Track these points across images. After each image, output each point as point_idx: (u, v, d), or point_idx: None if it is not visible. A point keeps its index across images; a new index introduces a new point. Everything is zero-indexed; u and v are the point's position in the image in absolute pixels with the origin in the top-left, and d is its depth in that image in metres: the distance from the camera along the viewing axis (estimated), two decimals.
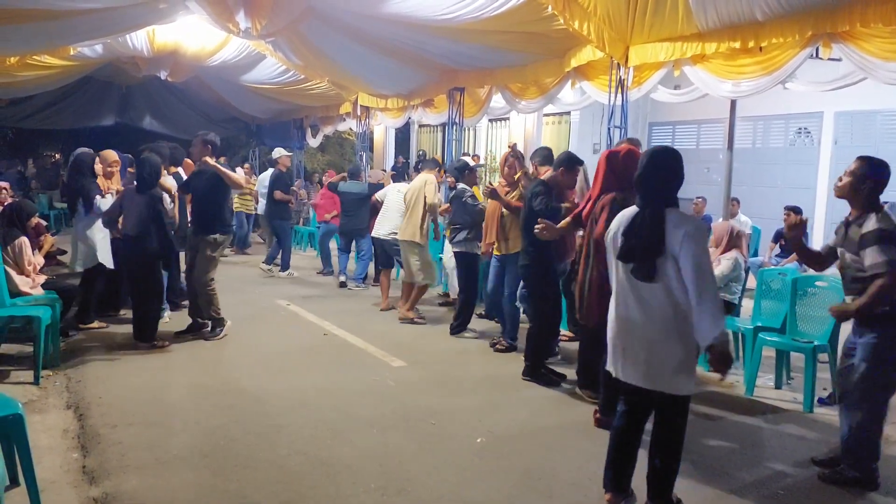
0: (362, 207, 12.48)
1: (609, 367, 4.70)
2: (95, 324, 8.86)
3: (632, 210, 4.56)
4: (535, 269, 7.27)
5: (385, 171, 16.81)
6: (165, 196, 8.60)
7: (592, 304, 5.97)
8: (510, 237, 8.26)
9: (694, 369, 4.46)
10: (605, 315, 5.30)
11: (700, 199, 13.76)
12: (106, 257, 8.71)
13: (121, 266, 8.70)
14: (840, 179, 5.28)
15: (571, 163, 7.33)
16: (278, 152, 14.93)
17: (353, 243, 12.93)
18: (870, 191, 5.13)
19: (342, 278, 12.76)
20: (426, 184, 9.81)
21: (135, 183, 8.31)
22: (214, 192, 8.66)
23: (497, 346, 8.51)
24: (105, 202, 8.55)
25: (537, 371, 7.32)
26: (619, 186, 5.88)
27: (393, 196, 10.81)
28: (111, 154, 9.44)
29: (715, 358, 4.23)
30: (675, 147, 4.72)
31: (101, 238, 8.67)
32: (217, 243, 8.73)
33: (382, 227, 10.75)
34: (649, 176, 4.48)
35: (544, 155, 7.98)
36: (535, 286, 7.38)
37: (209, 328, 8.86)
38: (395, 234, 10.30)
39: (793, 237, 5.63)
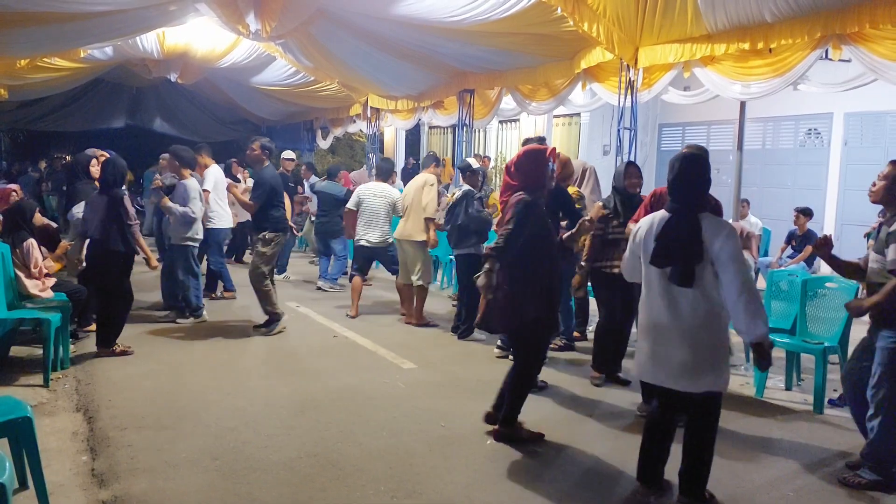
0: (338, 209, 12.39)
1: (636, 370, 4.81)
2: (93, 326, 8.84)
3: (662, 214, 4.62)
4: None
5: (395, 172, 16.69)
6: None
7: (500, 308, 5.69)
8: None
9: (726, 366, 4.55)
10: (512, 320, 5.50)
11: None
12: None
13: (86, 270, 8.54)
14: (874, 184, 5.30)
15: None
16: (285, 154, 14.90)
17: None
18: None
19: (320, 283, 12.64)
20: (425, 185, 9.66)
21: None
22: (252, 198, 9.13)
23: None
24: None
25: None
26: (524, 187, 5.71)
27: (374, 201, 10.26)
28: (96, 152, 9.60)
29: (760, 353, 4.36)
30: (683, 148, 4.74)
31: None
32: (267, 240, 9.10)
33: (371, 234, 10.23)
34: (682, 181, 4.56)
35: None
36: None
37: (265, 323, 9.23)
38: (386, 239, 10.20)
39: (823, 255, 5.55)
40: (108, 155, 9.32)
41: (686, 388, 4.47)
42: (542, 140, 8.32)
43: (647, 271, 4.65)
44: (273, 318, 9.21)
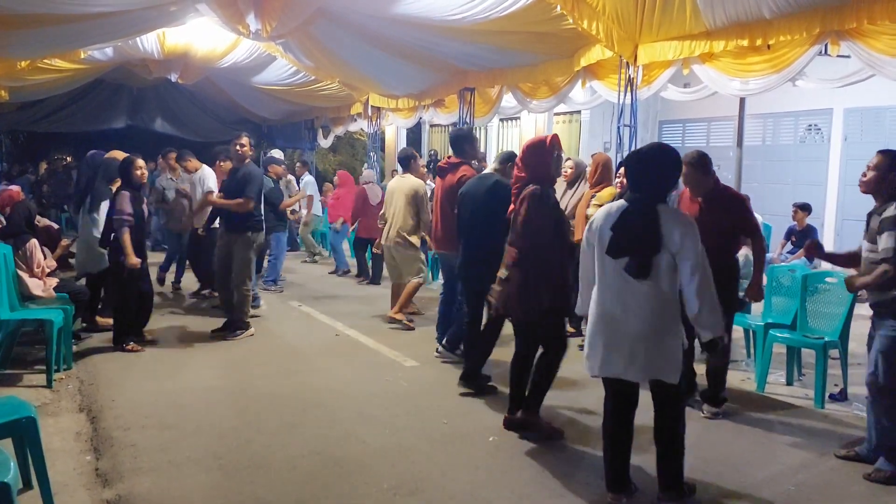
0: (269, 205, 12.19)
1: (587, 365, 4.71)
2: (109, 321, 8.83)
3: (618, 205, 4.59)
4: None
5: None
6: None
7: (513, 297, 5.69)
8: None
9: (679, 356, 4.48)
10: (527, 309, 5.51)
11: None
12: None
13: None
14: (864, 175, 5.33)
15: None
16: (275, 153, 14.70)
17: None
18: (893, 181, 5.21)
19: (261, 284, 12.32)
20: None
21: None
22: (246, 192, 8.76)
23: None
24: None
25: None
26: (532, 179, 5.73)
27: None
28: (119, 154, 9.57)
29: (713, 349, 4.44)
30: (684, 144, 4.75)
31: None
32: (250, 242, 8.86)
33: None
34: (640, 172, 4.54)
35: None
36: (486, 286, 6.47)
37: (230, 327, 8.92)
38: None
39: (819, 257, 5.91)
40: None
41: (655, 378, 4.45)
42: (468, 127, 8.27)
43: (600, 262, 4.57)
44: (239, 326, 8.89)
